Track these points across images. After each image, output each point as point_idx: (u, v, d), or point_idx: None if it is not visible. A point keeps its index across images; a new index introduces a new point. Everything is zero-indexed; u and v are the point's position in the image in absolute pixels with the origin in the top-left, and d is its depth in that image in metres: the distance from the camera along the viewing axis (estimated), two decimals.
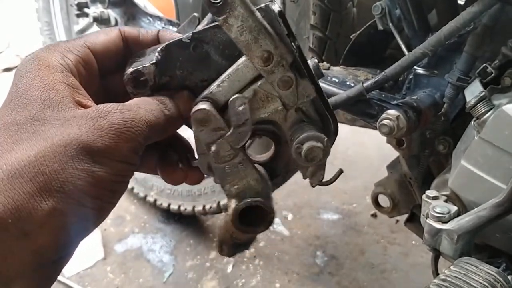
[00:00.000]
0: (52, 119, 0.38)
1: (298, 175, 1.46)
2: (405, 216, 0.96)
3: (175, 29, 1.09)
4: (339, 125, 1.02)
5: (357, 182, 1.70)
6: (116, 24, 1.19)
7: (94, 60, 0.46)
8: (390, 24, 0.84)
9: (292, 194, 1.65)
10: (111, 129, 0.39)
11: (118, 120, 0.40)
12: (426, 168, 0.88)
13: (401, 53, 0.85)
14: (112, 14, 1.20)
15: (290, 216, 1.57)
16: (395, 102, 0.79)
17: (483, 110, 0.68)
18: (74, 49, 0.44)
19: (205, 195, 1.35)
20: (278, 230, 1.52)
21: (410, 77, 0.85)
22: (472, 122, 0.70)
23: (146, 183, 1.48)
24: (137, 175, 1.49)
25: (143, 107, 0.42)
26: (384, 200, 0.96)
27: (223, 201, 1.31)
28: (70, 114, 0.39)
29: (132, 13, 1.17)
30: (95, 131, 0.38)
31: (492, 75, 0.72)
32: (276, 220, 1.55)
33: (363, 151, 1.85)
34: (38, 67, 0.41)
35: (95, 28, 1.34)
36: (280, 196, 1.62)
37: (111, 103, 0.41)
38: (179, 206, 1.42)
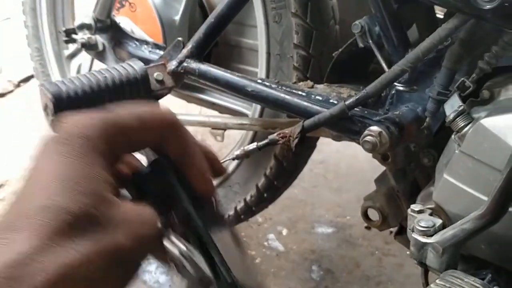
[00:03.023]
0: (104, 221, 0.36)
1: (290, 190, 1.45)
2: None
3: (161, 52, 1.11)
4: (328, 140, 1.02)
5: (350, 194, 1.71)
6: (104, 49, 1.21)
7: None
8: (370, 41, 0.86)
9: (286, 208, 1.65)
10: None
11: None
12: (413, 181, 0.90)
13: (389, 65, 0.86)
14: (100, 39, 1.21)
15: (285, 231, 1.57)
16: (377, 118, 0.80)
17: (462, 124, 0.70)
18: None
19: None
20: (273, 246, 1.52)
21: (393, 92, 0.87)
22: (453, 136, 0.72)
23: None
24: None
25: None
26: (373, 214, 0.97)
27: None
28: (118, 218, 0.36)
29: (119, 38, 1.18)
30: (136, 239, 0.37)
31: (471, 88, 0.74)
32: (271, 236, 1.55)
33: (355, 163, 1.85)
34: (91, 150, 0.37)
35: (84, 53, 1.35)
36: (274, 211, 1.63)
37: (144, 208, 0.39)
38: None
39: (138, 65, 0.88)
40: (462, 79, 0.74)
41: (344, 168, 1.85)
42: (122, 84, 0.85)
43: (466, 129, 0.69)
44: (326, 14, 1.02)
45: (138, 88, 0.88)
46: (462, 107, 0.71)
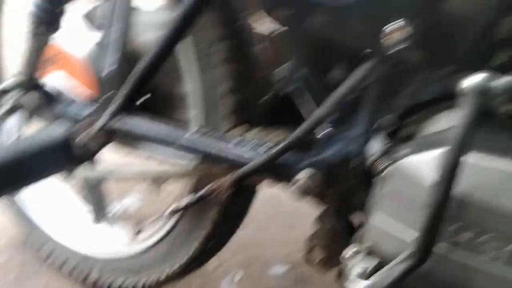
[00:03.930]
0: None
1: (243, 231, 1.43)
2: None
3: (92, 108, 1.09)
4: None
5: (302, 229, 1.70)
6: (34, 108, 1.18)
7: None
8: (293, 87, 0.87)
9: (239, 251, 1.63)
10: None
11: None
12: (349, 219, 0.90)
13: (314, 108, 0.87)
14: (28, 99, 1.18)
15: (239, 275, 1.55)
16: (306, 162, 0.81)
17: (386, 163, 0.71)
18: None
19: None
20: None
21: (320, 134, 0.87)
22: (378, 175, 0.73)
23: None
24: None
25: None
26: (317, 254, 0.96)
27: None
28: None
29: (48, 96, 1.15)
30: None
31: (392, 127, 0.75)
32: (225, 281, 1.53)
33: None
34: None
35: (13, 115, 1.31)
36: (227, 255, 1.60)
37: None
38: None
39: (63, 127, 0.87)
40: (383, 118, 0.75)
41: (294, 203, 1.86)
42: (47, 149, 0.83)
43: (389, 168, 0.70)
44: (253, 59, 1.03)
45: (65, 151, 0.86)
46: (384, 147, 0.72)
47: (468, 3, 0.63)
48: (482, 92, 0.55)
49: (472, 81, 0.56)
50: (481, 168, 0.62)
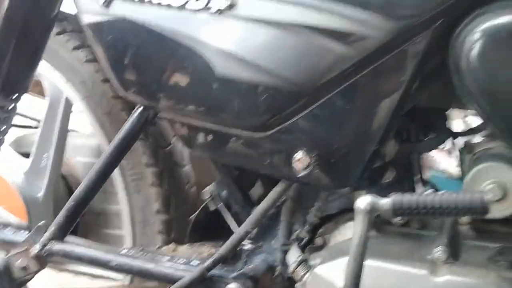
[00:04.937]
0: None
1: None
2: None
3: (26, 233, 1.12)
4: None
5: None
6: None
7: None
8: (220, 204, 0.97)
9: None
10: None
11: None
12: None
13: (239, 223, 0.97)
14: None
15: None
16: (234, 274, 0.89)
17: (302, 273, 0.81)
18: None
19: None
20: None
21: (247, 246, 0.97)
22: (296, 284, 0.82)
23: None
24: None
25: None
26: None
27: None
28: None
29: None
30: None
31: (306, 239, 0.86)
32: None
33: None
34: None
35: None
36: None
37: None
38: None
39: (2, 253, 0.90)
40: (297, 231, 0.86)
41: None
42: None
43: (305, 277, 0.80)
44: (181, 180, 1.13)
45: (6, 276, 0.89)
46: (300, 257, 0.82)
47: (357, 134, 0.76)
48: (371, 210, 0.67)
49: (363, 201, 0.68)
50: (380, 271, 0.73)
